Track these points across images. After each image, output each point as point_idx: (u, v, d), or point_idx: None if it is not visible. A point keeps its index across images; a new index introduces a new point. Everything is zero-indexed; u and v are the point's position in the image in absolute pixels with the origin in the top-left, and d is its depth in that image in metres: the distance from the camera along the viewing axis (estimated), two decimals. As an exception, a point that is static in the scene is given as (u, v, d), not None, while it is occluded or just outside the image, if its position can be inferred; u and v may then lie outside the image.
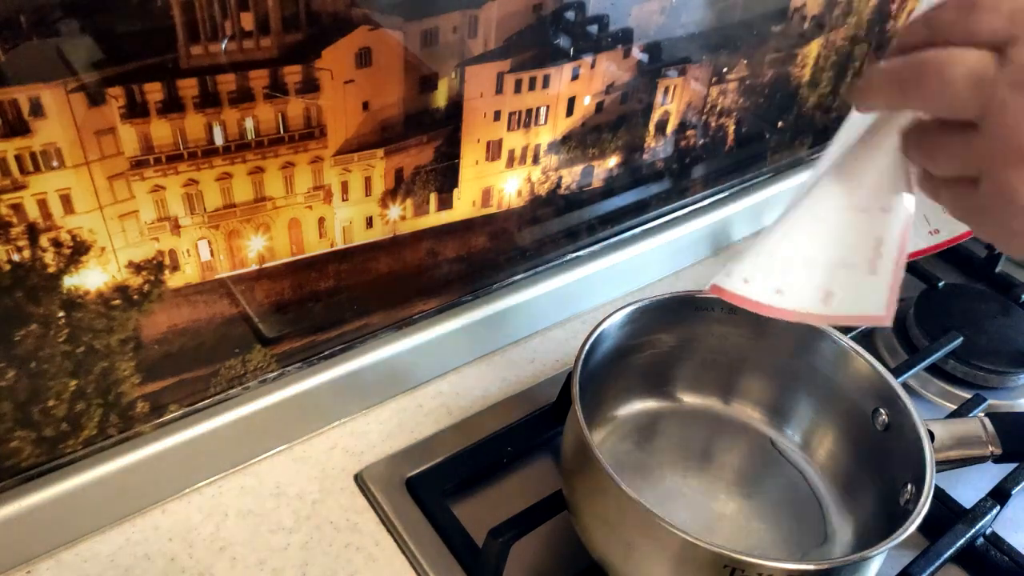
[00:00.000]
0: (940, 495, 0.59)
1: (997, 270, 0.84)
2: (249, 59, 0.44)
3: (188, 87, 0.43)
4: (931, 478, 0.47)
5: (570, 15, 0.57)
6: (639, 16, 0.61)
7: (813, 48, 0.78)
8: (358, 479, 0.59)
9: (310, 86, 0.47)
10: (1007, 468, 0.59)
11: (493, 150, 0.60)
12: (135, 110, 0.42)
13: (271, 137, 0.48)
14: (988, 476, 0.59)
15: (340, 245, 0.56)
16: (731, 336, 0.60)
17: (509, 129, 0.59)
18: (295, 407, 0.59)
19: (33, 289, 0.44)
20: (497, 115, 0.58)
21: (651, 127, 0.69)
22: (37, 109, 0.39)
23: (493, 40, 0.54)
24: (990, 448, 0.53)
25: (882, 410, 0.54)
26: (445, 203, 0.60)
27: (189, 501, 0.56)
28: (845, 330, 0.69)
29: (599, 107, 0.64)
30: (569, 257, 0.72)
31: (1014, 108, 0.30)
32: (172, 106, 0.43)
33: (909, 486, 0.49)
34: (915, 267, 0.80)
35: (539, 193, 0.65)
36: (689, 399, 0.64)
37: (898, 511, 0.49)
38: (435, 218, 0.60)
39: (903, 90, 0.34)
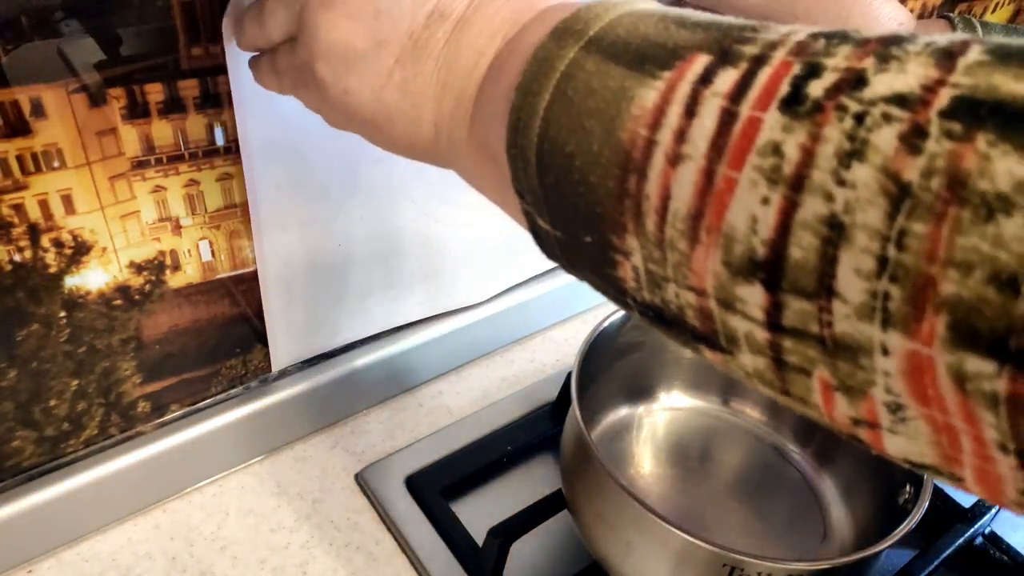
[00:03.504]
0: (939, 495, 0.59)
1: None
2: (250, 60, 0.44)
3: (189, 87, 0.43)
4: (930, 478, 0.47)
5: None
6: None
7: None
8: (358, 478, 0.59)
9: (311, 86, 0.47)
10: (1006, 468, 0.59)
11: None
12: (136, 111, 0.42)
13: (272, 137, 0.48)
14: (987, 476, 0.59)
15: (341, 245, 0.56)
16: (731, 336, 0.60)
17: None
18: (296, 406, 0.59)
19: (35, 289, 0.44)
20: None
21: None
22: (38, 110, 0.39)
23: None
24: (989, 448, 0.53)
25: (881, 410, 0.54)
26: (445, 203, 0.60)
27: (190, 500, 0.57)
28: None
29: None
30: (569, 257, 0.72)
31: None
32: (173, 107, 0.43)
33: (908, 485, 0.49)
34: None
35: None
36: (689, 399, 0.64)
37: (897, 511, 0.49)
38: (435, 218, 0.60)
39: None
